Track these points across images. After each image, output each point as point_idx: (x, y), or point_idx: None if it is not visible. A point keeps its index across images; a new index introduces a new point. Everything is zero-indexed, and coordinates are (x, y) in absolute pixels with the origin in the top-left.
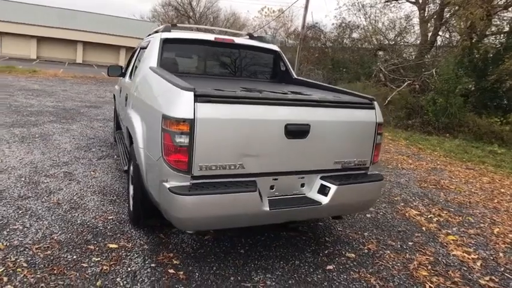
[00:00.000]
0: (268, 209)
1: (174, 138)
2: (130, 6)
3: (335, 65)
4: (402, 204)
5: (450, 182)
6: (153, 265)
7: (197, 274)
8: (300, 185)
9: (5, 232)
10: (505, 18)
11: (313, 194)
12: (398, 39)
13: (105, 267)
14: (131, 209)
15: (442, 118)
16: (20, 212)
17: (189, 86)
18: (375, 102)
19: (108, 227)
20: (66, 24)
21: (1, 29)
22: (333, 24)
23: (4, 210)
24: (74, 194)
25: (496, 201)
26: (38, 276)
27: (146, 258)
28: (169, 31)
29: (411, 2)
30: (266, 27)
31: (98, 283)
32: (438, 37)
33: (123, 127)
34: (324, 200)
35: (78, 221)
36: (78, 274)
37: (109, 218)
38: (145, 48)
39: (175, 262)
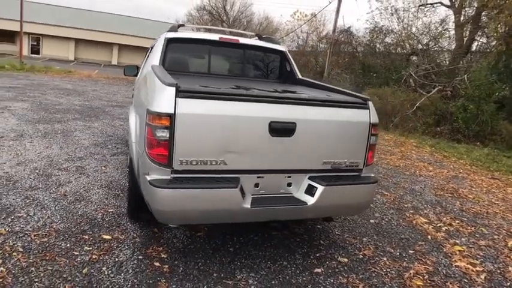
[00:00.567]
0: (249, 206)
1: (155, 132)
2: (166, 10)
3: (365, 70)
4: (412, 211)
5: (470, 191)
6: (140, 257)
7: (181, 268)
8: (286, 184)
9: (9, 219)
10: None
11: (301, 194)
12: (432, 44)
13: (94, 257)
14: (128, 202)
15: (473, 126)
16: (28, 201)
17: (172, 81)
18: (370, 102)
19: (107, 219)
20: (102, 27)
21: (42, 32)
22: (366, 28)
23: (13, 199)
24: (81, 187)
25: None
26: (31, 260)
27: (136, 250)
28: (176, 31)
29: (446, 6)
30: (298, 31)
31: (84, 270)
32: (475, 42)
33: None
34: (310, 200)
35: (79, 212)
36: (67, 261)
37: (109, 210)
38: (153, 48)
39: (163, 256)
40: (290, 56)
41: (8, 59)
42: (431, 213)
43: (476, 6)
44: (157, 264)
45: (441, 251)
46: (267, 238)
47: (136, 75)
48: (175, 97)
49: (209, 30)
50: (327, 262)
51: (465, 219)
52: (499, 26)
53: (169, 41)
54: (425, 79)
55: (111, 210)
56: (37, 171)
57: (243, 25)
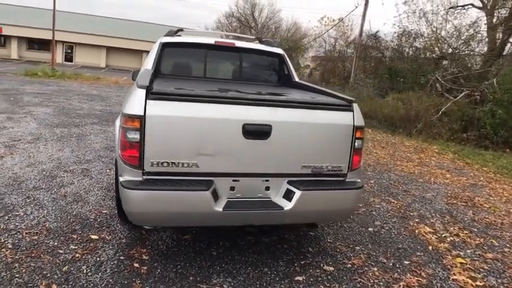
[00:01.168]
0: (221, 209)
1: (127, 134)
2: (195, 18)
3: (392, 75)
4: (417, 220)
5: (486, 200)
6: (122, 258)
7: (159, 270)
8: (264, 188)
9: (6, 217)
10: None
11: (279, 199)
12: (463, 47)
13: (77, 255)
14: (116, 204)
15: (501, 131)
16: (28, 200)
17: (143, 84)
18: (354, 105)
19: (98, 220)
20: (132, 34)
21: (75, 40)
22: (394, 33)
23: (15, 198)
24: (82, 189)
25: None
26: (17, 257)
27: (119, 251)
28: (172, 35)
29: (478, 8)
30: (326, 37)
31: (64, 268)
32: (508, 44)
33: None
34: (288, 205)
35: (74, 213)
36: (51, 259)
37: (103, 212)
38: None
39: (144, 257)
40: (288, 59)
41: (42, 67)
42: (438, 222)
43: (510, 6)
44: (136, 265)
45: (440, 262)
46: (253, 243)
47: None
48: (145, 99)
49: (208, 34)
50: (311, 270)
51: (475, 229)
52: None
53: (164, 46)
54: (453, 83)
55: (105, 211)
56: (44, 172)
57: (271, 31)
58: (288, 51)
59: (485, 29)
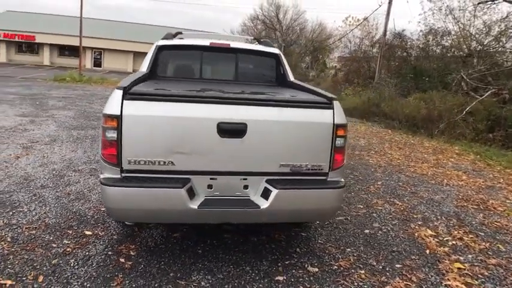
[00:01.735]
0: (196, 207)
1: (106, 133)
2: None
3: (417, 74)
4: (419, 222)
5: (502, 203)
6: (110, 253)
7: (142, 266)
8: (243, 187)
9: (11, 212)
10: None
11: (257, 198)
12: (494, 43)
13: (68, 249)
14: None
15: None
16: (34, 198)
17: (122, 85)
18: (335, 102)
19: (95, 217)
20: (158, 39)
21: (103, 46)
22: (420, 31)
23: (22, 196)
24: (86, 187)
25: None
26: (13, 249)
27: (108, 246)
28: (170, 39)
29: (510, 2)
30: (351, 37)
31: (54, 261)
32: None
33: None
34: (264, 204)
35: (74, 210)
36: (44, 252)
37: (101, 209)
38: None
39: (131, 253)
40: (284, 59)
41: (69, 72)
42: (443, 225)
43: None
44: (122, 260)
45: (435, 267)
46: (241, 242)
47: None
48: (122, 99)
49: (206, 36)
50: (293, 271)
51: (482, 233)
52: None
53: (160, 49)
54: (480, 82)
55: (103, 209)
56: (54, 172)
57: (296, 33)
58: (313, 52)
59: None
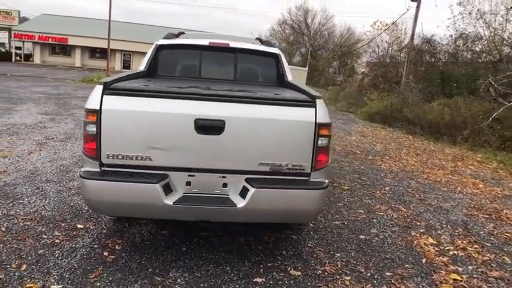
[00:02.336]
0: (171, 203)
1: (87, 128)
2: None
3: (445, 79)
4: (422, 230)
5: None
6: (95, 246)
7: (123, 260)
8: (222, 185)
9: (11, 204)
10: None
11: (235, 196)
12: None
13: (57, 241)
14: None
15: None
16: (36, 191)
17: (106, 80)
18: (318, 101)
19: (90, 211)
20: None
21: (132, 49)
22: (450, 35)
23: (25, 189)
24: None
25: None
26: (5, 239)
27: (95, 240)
28: (170, 38)
29: None
30: (379, 42)
31: (40, 251)
32: None
33: None
34: (241, 203)
35: (71, 203)
36: (33, 242)
37: None
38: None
39: (116, 247)
40: (283, 59)
41: (97, 73)
42: (447, 234)
43: None
44: (105, 254)
45: (429, 277)
46: (227, 242)
47: None
48: (102, 94)
49: (213, 36)
50: (274, 273)
51: (488, 244)
52: None
53: (160, 48)
54: (509, 88)
55: None
56: (61, 167)
57: (324, 37)
58: (341, 57)
59: None
